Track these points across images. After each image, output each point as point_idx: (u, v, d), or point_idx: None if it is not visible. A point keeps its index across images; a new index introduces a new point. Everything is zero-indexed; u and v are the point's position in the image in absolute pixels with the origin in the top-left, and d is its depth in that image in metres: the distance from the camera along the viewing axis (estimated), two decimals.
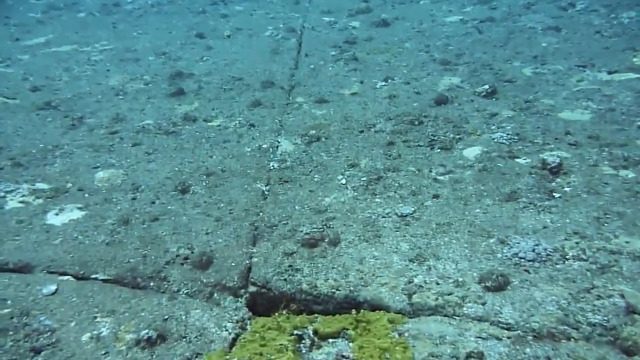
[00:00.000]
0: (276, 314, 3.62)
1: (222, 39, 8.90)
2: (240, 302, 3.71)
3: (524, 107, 5.64)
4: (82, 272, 3.90)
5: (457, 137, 5.22)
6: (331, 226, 4.06)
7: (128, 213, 4.44)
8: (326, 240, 3.92)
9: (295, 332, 3.20)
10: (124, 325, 3.38)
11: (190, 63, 7.81)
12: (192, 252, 3.98)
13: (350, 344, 3.08)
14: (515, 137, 5.06)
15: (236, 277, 3.78)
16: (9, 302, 3.54)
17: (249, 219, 4.34)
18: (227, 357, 3.08)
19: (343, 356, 2.94)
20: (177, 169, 5.11)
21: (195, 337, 3.28)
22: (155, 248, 4.02)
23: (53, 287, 3.67)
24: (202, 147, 5.47)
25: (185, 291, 3.76)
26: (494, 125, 5.36)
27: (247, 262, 3.91)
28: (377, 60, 7.52)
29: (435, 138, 5.17)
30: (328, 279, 3.58)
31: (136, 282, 3.82)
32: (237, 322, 3.46)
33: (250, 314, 3.66)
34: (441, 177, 4.58)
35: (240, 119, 6.03)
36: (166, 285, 3.79)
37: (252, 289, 3.76)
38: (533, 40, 7.62)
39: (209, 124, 5.99)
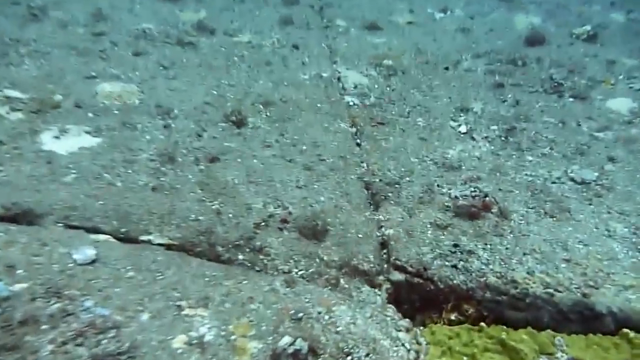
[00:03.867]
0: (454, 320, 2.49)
1: None
2: (379, 295, 2.45)
3: None
4: (124, 229, 2.62)
5: (588, 84, 4.10)
6: (484, 191, 2.88)
7: (167, 147, 3.07)
8: (493, 211, 2.70)
9: None
10: (235, 324, 2.07)
11: None
12: (290, 213, 2.67)
13: None
14: None
15: (371, 256, 2.51)
16: (19, 270, 2.11)
17: (351, 170, 3.15)
18: None
19: None
20: (215, 92, 3.79)
21: (367, 355, 2.01)
22: (230, 201, 2.74)
23: (91, 252, 2.28)
24: (239, 68, 4.16)
25: (299, 272, 2.44)
26: (620, 74, 4.36)
27: (378, 233, 2.70)
28: None
29: (562, 84, 4.04)
30: (533, 272, 2.44)
31: (215, 253, 2.57)
32: (407, 330, 2.21)
33: (401, 316, 2.42)
34: (600, 134, 3.58)
35: (277, 37, 4.75)
36: (266, 262, 2.59)
37: (396, 276, 2.53)
38: None
39: (235, 39, 4.62)
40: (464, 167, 3.27)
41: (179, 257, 2.53)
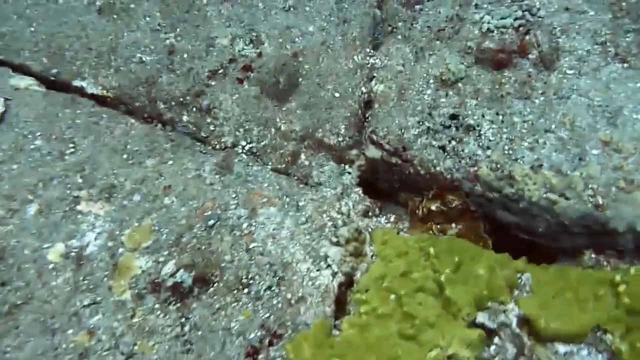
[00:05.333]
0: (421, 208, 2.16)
1: None
2: (351, 175, 2.01)
3: None
4: (54, 70, 2.34)
5: None
6: (538, 15, 2.26)
7: None
8: (531, 54, 2.08)
9: (480, 319, 1.60)
10: (132, 229, 1.76)
11: None
12: (260, 55, 2.11)
13: None
14: None
15: (342, 125, 1.99)
16: None
17: None
18: None
19: None
20: None
21: (268, 287, 1.84)
22: (191, 32, 2.36)
23: None
24: None
25: (248, 145, 2.00)
26: None
27: (364, 89, 2.13)
28: None
29: None
30: (539, 166, 2.00)
31: (157, 111, 2.21)
32: (346, 240, 1.76)
33: (369, 204, 2.07)
34: None
35: None
36: (212, 127, 2.24)
37: (372, 152, 1.99)
38: None
39: None
40: None
41: (107, 119, 2.20)
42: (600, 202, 1.89)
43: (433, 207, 2.12)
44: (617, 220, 1.88)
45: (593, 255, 1.96)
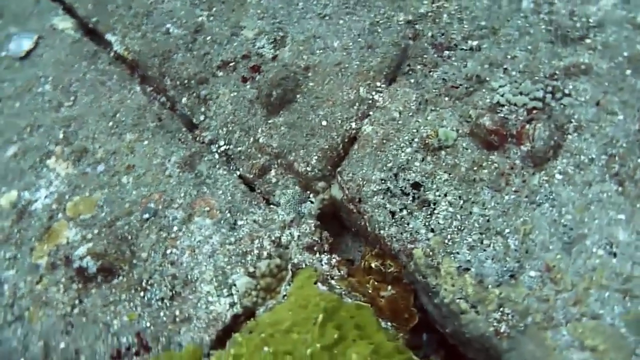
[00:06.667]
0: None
1: None
2: (312, 205, 2.23)
3: None
4: (94, 18, 2.55)
5: None
6: (561, 102, 2.17)
7: None
8: (524, 147, 2.10)
9: None
10: (80, 197, 2.00)
11: None
12: (274, 58, 2.23)
13: None
14: None
15: (315, 155, 2.08)
16: None
17: (411, 4, 2.32)
18: None
19: None
20: None
21: (161, 298, 2.01)
22: (224, 15, 2.53)
23: (26, 45, 2.29)
24: None
25: (225, 146, 2.16)
26: None
27: (353, 125, 2.18)
28: None
29: None
30: (467, 269, 1.97)
31: (163, 85, 2.26)
32: (263, 274, 1.92)
33: (317, 239, 2.19)
34: None
35: None
36: (202, 118, 2.33)
37: (335, 190, 2.16)
38: None
39: None
40: (587, 41, 2.27)
41: (114, 81, 2.39)
42: (503, 329, 1.84)
43: (373, 265, 2.13)
44: (512, 355, 1.83)
45: None
